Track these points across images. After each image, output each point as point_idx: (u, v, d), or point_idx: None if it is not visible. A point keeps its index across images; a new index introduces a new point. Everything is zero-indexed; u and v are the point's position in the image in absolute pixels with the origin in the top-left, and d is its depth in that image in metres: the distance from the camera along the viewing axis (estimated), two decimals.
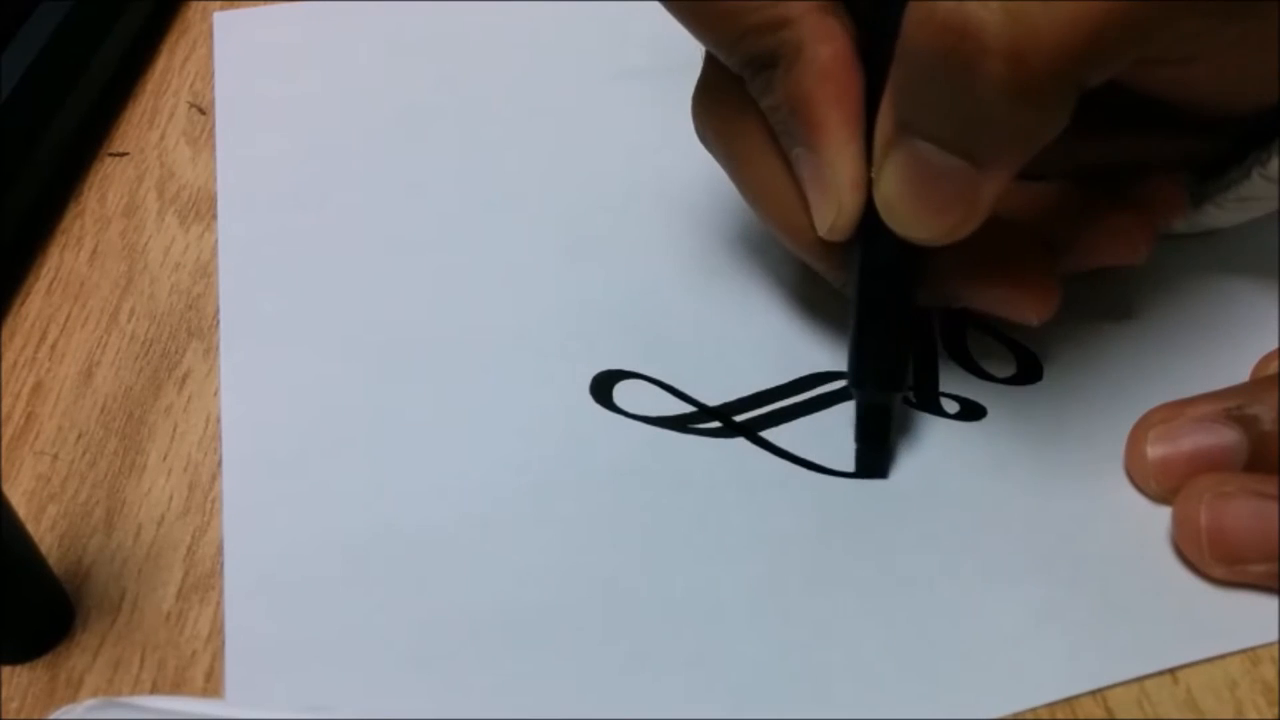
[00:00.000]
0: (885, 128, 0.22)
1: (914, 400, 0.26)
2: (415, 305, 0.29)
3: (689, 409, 0.26)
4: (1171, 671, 0.22)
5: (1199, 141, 0.27)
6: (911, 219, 0.22)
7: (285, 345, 0.28)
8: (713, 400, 0.26)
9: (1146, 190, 0.27)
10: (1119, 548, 0.23)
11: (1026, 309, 0.25)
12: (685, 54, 0.32)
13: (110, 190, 0.33)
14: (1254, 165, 0.26)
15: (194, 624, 0.23)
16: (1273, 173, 0.26)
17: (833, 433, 0.26)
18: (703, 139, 0.27)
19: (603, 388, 0.27)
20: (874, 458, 0.25)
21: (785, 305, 0.29)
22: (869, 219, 0.23)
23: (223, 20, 0.39)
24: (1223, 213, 0.28)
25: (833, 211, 0.24)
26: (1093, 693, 0.21)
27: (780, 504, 0.24)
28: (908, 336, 0.25)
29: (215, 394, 0.27)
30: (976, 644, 0.22)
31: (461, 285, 0.29)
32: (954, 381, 0.27)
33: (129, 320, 0.29)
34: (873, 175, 0.23)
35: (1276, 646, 0.22)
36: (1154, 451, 0.24)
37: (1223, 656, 0.22)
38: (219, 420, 0.26)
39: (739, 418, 0.26)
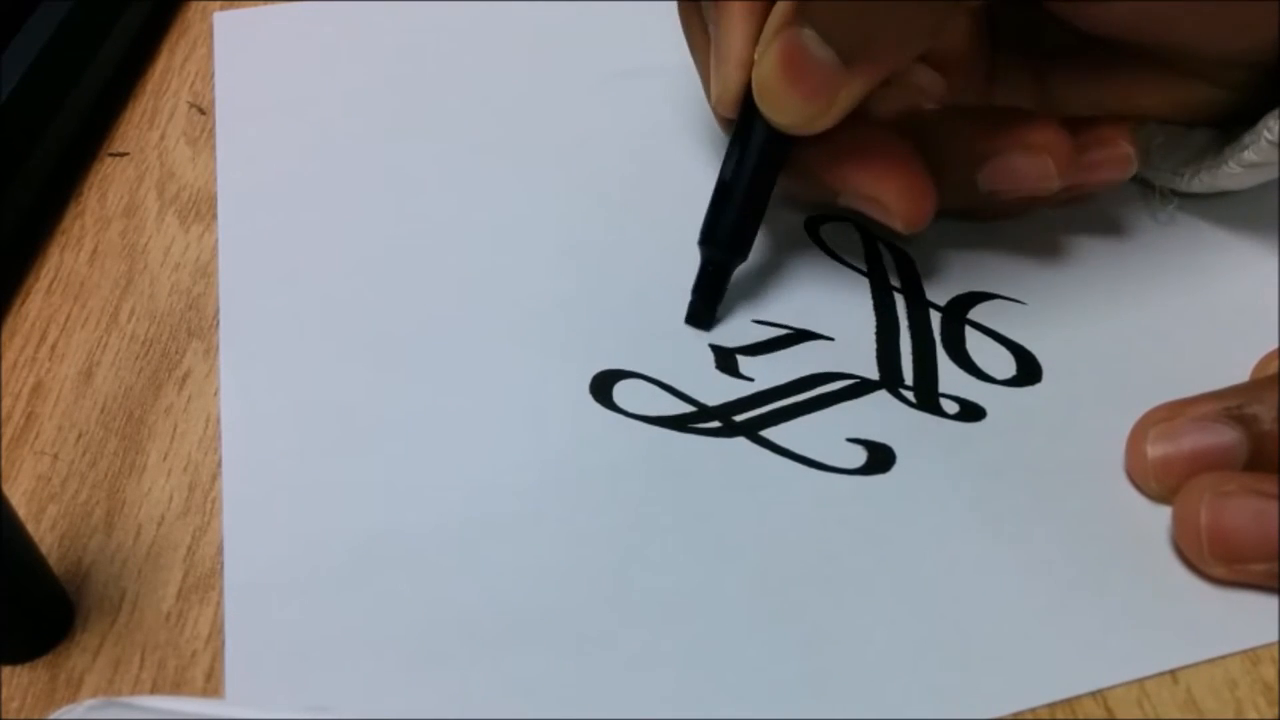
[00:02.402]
0: (780, 11, 0.24)
1: (914, 400, 0.26)
2: (415, 305, 0.29)
3: (689, 408, 0.26)
4: (1171, 672, 0.22)
5: (1190, 89, 0.28)
6: (776, 103, 0.25)
7: (285, 345, 0.28)
8: (712, 400, 0.26)
9: (1093, 129, 0.27)
10: (1119, 548, 0.23)
11: (892, 209, 0.26)
12: (685, 54, 0.32)
13: (110, 190, 0.33)
14: (1264, 129, 0.26)
15: (194, 624, 0.23)
16: (1276, 138, 0.26)
17: (833, 432, 0.26)
18: (682, 27, 0.30)
19: (603, 387, 0.27)
20: (702, 310, 0.28)
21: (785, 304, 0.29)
22: (749, 100, 0.25)
23: (223, 20, 0.39)
24: (1239, 175, 0.28)
25: (719, 84, 0.26)
26: (1093, 693, 0.21)
27: (780, 503, 0.24)
28: (759, 212, 0.27)
29: (215, 394, 0.27)
30: (976, 644, 0.22)
31: (461, 285, 0.29)
32: (954, 382, 0.27)
33: (129, 320, 0.29)
34: (755, 57, 0.25)
35: (1276, 646, 0.22)
36: (1154, 451, 0.24)
37: (1223, 657, 0.22)
38: (219, 420, 0.26)
39: (739, 417, 0.26)
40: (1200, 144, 0.29)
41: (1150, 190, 0.31)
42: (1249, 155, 0.27)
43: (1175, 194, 0.30)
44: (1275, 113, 0.26)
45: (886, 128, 0.27)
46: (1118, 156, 0.27)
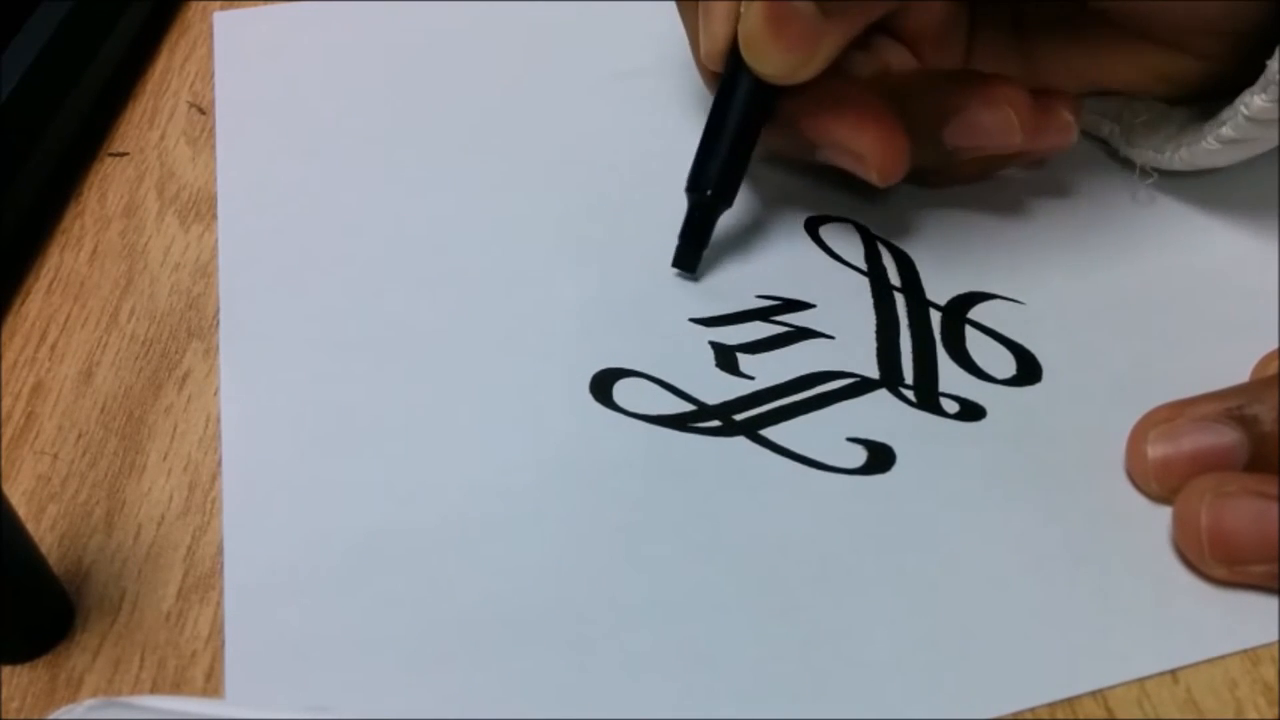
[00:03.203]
0: None
1: (914, 400, 0.26)
2: (415, 305, 0.29)
3: (689, 407, 0.26)
4: (1172, 672, 0.22)
5: (1170, 61, 0.29)
6: (760, 53, 0.26)
7: (285, 345, 0.28)
8: (712, 399, 0.26)
9: (1040, 97, 0.28)
10: (1119, 548, 0.23)
11: (869, 161, 0.27)
12: (685, 54, 0.32)
13: (110, 190, 0.33)
14: (1241, 106, 0.27)
15: (194, 624, 0.23)
16: (1257, 114, 0.26)
17: (833, 431, 0.26)
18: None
19: (603, 386, 0.27)
20: (689, 253, 0.29)
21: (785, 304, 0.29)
22: (733, 54, 0.27)
23: (223, 20, 0.39)
24: (1218, 152, 0.28)
25: (707, 39, 0.28)
26: (1093, 693, 0.21)
27: (780, 503, 0.24)
28: (744, 160, 0.29)
29: (215, 394, 0.27)
30: (976, 644, 0.22)
31: (461, 284, 0.29)
32: (954, 382, 0.27)
33: (129, 320, 0.29)
34: (741, 11, 0.26)
35: (1277, 647, 0.22)
36: (1154, 451, 0.24)
37: (1223, 657, 0.22)
38: (219, 420, 0.26)
39: (739, 416, 0.26)
40: (1181, 122, 0.30)
41: (1132, 169, 0.31)
42: (1227, 131, 0.28)
43: (1158, 172, 0.31)
44: (1252, 89, 0.26)
45: (864, 85, 0.28)
46: (1061, 123, 0.28)
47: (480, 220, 0.31)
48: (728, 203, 0.29)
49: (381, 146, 0.34)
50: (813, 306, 0.29)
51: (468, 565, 0.23)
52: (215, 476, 0.25)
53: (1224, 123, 0.28)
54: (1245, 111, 0.27)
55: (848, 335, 0.28)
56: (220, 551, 0.24)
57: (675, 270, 0.29)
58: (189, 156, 0.34)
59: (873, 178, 0.28)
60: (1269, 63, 0.26)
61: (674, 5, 0.31)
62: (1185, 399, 0.24)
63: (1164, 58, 0.29)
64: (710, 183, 0.29)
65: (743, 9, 0.26)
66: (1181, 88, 0.30)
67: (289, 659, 0.22)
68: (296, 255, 0.30)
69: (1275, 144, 0.28)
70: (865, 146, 0.27)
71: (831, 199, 0.32)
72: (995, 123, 0.28)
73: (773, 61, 0.26)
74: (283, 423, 0.26)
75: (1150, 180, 0.31)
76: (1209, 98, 0.28)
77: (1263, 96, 0.26)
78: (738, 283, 0.29)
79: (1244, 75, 0.27)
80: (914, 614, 0.22)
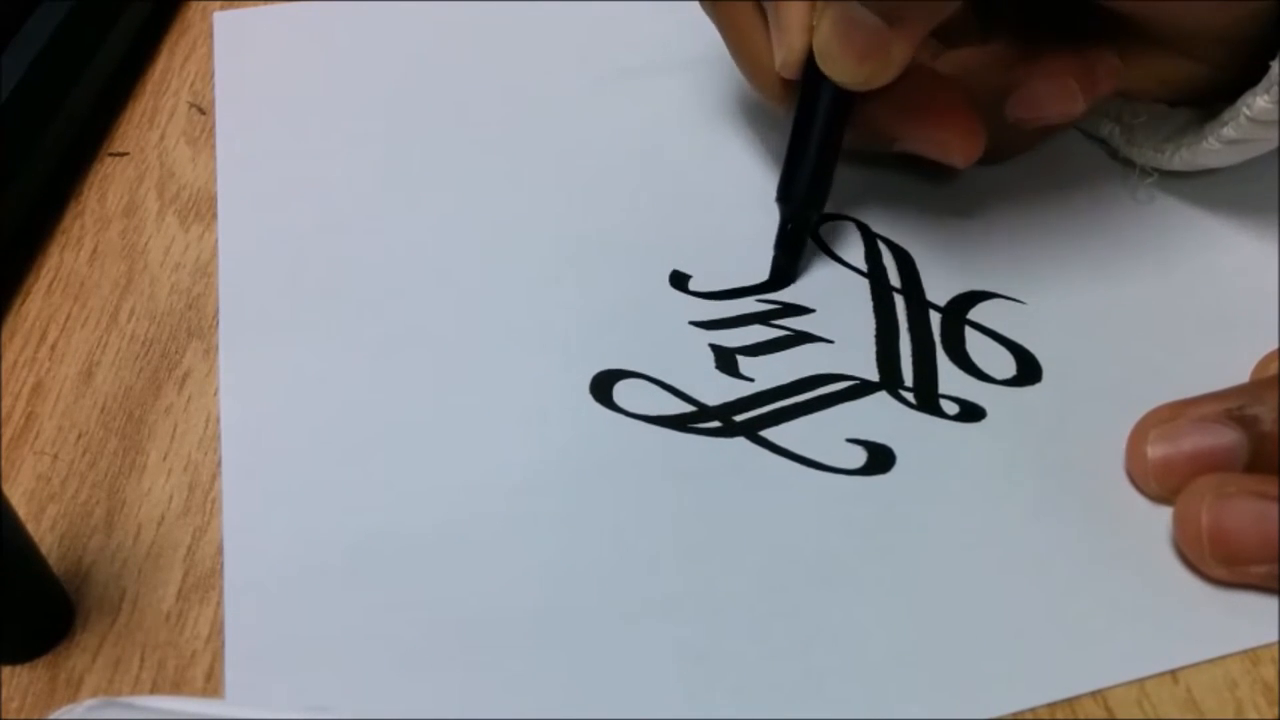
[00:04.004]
0: None
1: (914, 401, 0.26)
2: (415, 305, 0.29)
3: (689, 408, 0.26)
4: (1171, 672, 0.22)
5: (1175, 66, 0.29)
6: (837, 63, 0.27)
7: (285, 345, 0.28)
8: (713, 400, 0.26)
9: (1084, 55, 0.29)
10: (1119, 548, 0.23)
11: (952, 148, 0.29)
12: (685, 54, 0.32)
13: (110, 190, 0.33)
14: (1243, 107, 0.27)
15: (194, 624, 0.23)
16: (1259, 114, 0.27)
17: (833, 433, 0.26)
18: (703, 5, 0.31)
19: (603, 387, 0.27)
20: (788, 265, 0.29)
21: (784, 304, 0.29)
22: (812, 63, 0.27)
23: (223, 20, 0.39)
24: (1219, 152, 0.29)
25: (785, 50, 0.28)
26: (1093, 693, 0.21)
27: (780, 503, 0.24)
28: (831, 166, 0.29)
29: (215, 394, 0.27)
30: (976, 644, 0.22)
31: (461, 285, 0.29)
32: (954, 383, 0.27)
33: (129, 320, 0.29)
34: (814, 24, 0.27)
35: (1277, 647, 0.22)
36: (1154, 452, 0.24)
37: (1223, 657, 0.22)
38: (219, 420, 0.26)
39: (739, 417, 0.26)
40: (1182, 122, 0.30)
41: (1132, 169, 0.31)
42: (1228, 132, 0.28)
43: (1158, 172, 0.31)
44: (1254, 90, 0.27)
45: (935, 75, 0.29)
46: (1109, 70, 0.29)
47: (481, 220, 0.31)
48: (819, 210, 0.30)
49: (382, 146, 0.34)
50: (812, 311, 0.29)
51: (468, 565, 0.23)
52: (215, 476, 0.25)
53: (1226, 123, 0.28)
54: (1248, 112, 0.27)
55: (847, 339, 0.28)
56: (220, 551, 0.24)
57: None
58: (189, 156, 0.34)
59: (956, 162, 0.29)
60: (1272, 64, 0.26)
61: (674, 5, 0.31)
62: (1185, 399, 0.24)
63: (1169, 63, 0.29)
64: (802, 192, 0.29)
65: (815, 23, 0.27)
66: (1185, 92, 0.30)
67: (289, 659, 0.22)
68: (296, 255, 0.30)
69: (1275, 145, 0.28)
70: (948, 137, 0.29)
71: (832, 197, 0.32)
72: (1055, 93, 0.29)
73: (849, 70, 0.27)
74: (283, 423, 0.26)
75: (1150, 180, 0.31)
76: (1210, 101, 0.29)
77: (1265, 97, 0.26)
78: (737, 285, 0.29)
79: (1245, 78, 0.27)
80: (914, 614, 0.22)
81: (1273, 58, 0.26)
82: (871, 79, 0.27)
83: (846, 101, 0.28)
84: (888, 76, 0.27)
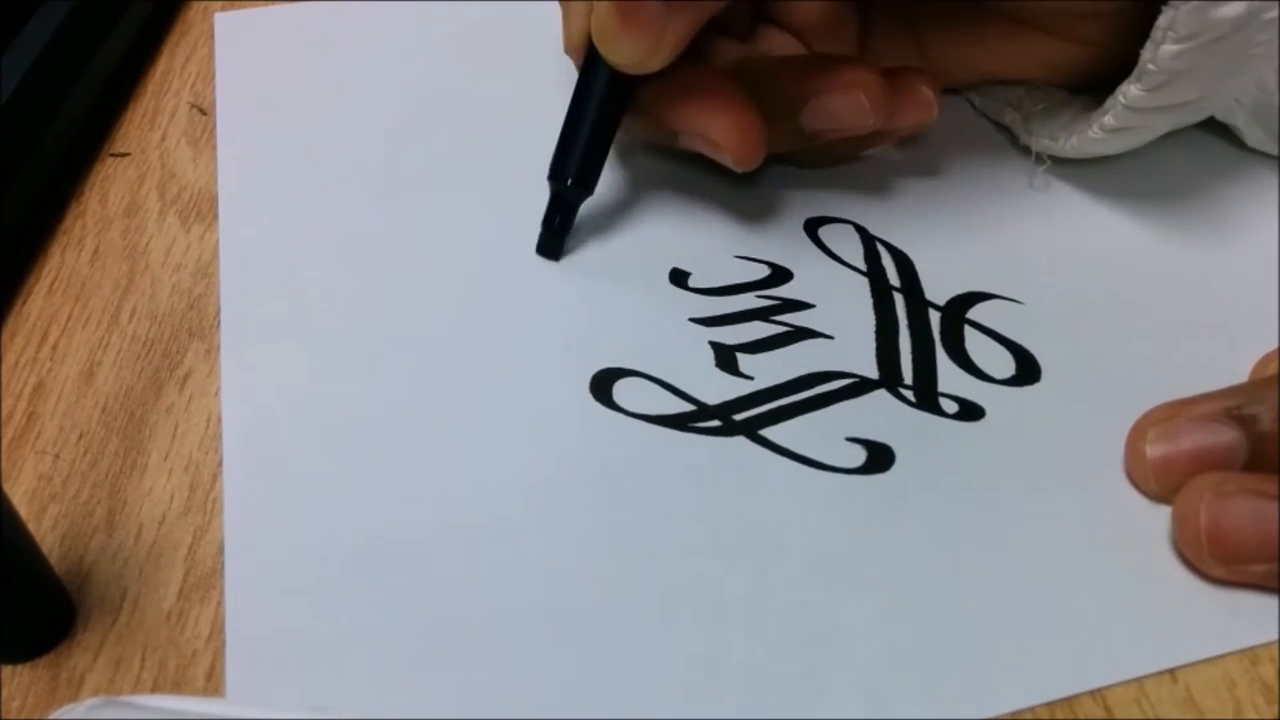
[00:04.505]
0: None
1: (913, 400, 0.26)
2: (415, 304, 0.29)
3: (689, 407, 0.26)
4: (1171, 671, 0.22)
5: (1056, 49, 0.30)
6: (611, 43, 0.27)
7: (286, 345, 0.28)
8: (712, 398, 0.27)
9: (899, 76, 0.29)
10: (1118, 547, 0.23)
11: (725, 146, 0.28)
12: None
13: (111, 190, 0.33)
14: (1120, 95, 0.28)
15: (195, 624, 0.23)
16: (1134, 102, 0.28)
17: (832, 431, 0.26)
18: None
19: (603, 386, 0.27)
20: (552, 241, 0.30)
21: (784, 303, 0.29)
22: (592, 45, 0.28)
23: (224, 20, 0.39)
24: (1104, 140, 0.29)
25: (567, 34, 0.29)
26: (1092, 692, 0.21)
27: (779, 502, 0.24)
28: (604, 149, 0.30)
29: (216, 394, 0.27)
30: (976, 643, 0.22)
31: (462, 284, 0.30)
32: (953, 382, 0.27)
33: (130, 320, 0.29)
34: (593, 5, 0.27)
35: (1276, 646, 0.22)
36: (1154, 451, 0.24)
37: (1222, 656, 0.22)
38: (220, 420, 0.26)
39: (738, 416, 0.26)
40: (1076, 110, 0.31)
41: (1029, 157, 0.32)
42: (1109, 120, 0.29)
43: (1053, 159, 0.32)
44: (1129, 80, 0.27)
45: (720, 73, 0.29)
46: (921, 100, 0.29)
47: (481, 219, 0.31)
48: (588, 191, 0.30)
49: (382, 147, 0.34)
50: (812, 307, 0.29)
51: (467, 565, 0.23)
52: (216, 476, 0.25)
53: (1106, 112, 0.29)
54: (1124, 100, 0.28)
55: (847, 335, 0.28)
56: (221, 551, 0.24)
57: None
58: (190, 157, 0.34)
59: (729, 162, 0.29)
60: (1141, 53, 0.27)
61: None
62: (1184, 398, 0.24)
63: (1049, 46, 0.30)
64: (572, 172, 0.29)
65: (594, 4, 0.27)
66: (1072, 75, 0.31)
67: (289, 659, 0.22)
68: (297, 255, 0.30)
69: (1159, 133, 0.29)
70: (719, 133, 0.28)
71: (831, 199, 0.32)
72: (847, 106, 0.29)
73: (623, 51, 0.27)
74: (284, 422, 0.26)
75: (1045, 166, 0.32)
76: (1107, 85, 0.29)
77: (1137, 86, 0.27)
78: (737, 283, 0.29)
79: (1127, 59, 0.28)
80: (913, 613, 0.23)
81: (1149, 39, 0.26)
82: (644, 61, 0.27)
83: (622, 85, 0.28)
84: (660, 61, 0.27)
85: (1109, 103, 0.28)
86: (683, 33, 0.27)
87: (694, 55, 0.28)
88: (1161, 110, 0.28)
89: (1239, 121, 0.31)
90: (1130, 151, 0.31)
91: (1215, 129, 0.32)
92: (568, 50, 0.30)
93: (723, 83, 0.29)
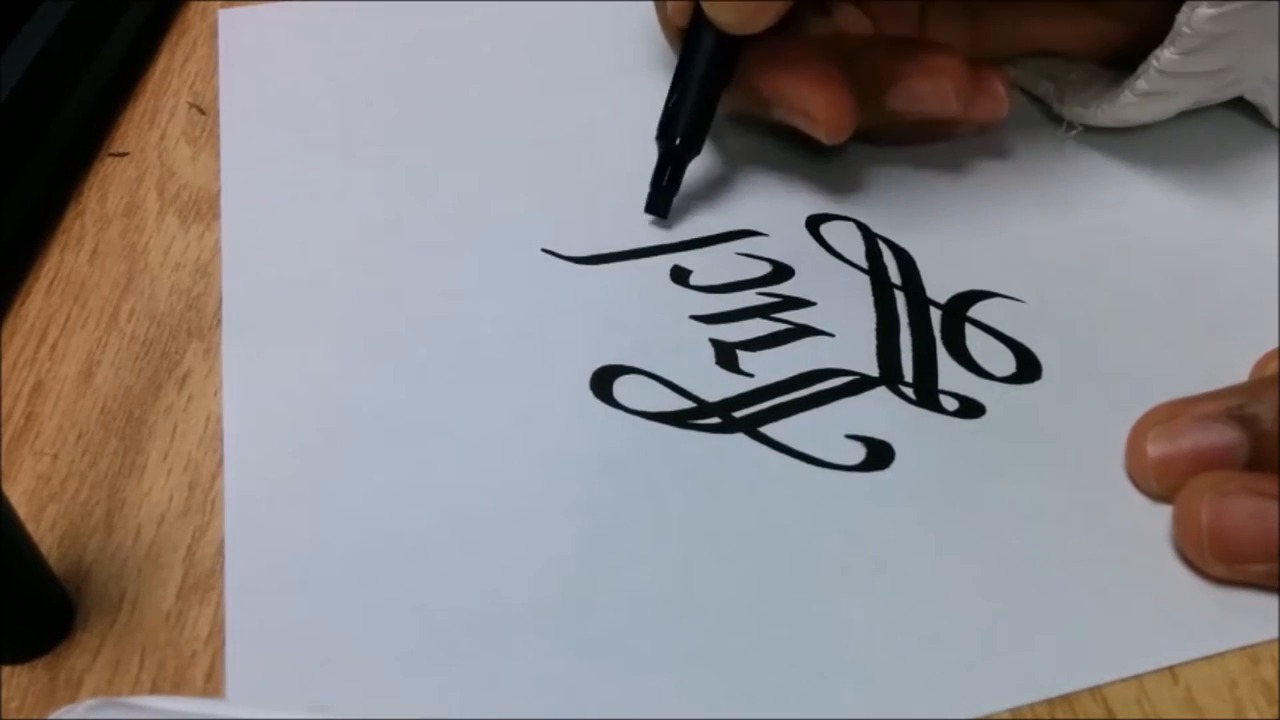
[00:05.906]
0: None
1: (914, 397, 0.26)
2: (416, 303, 0.29)
3: (689, 404, 0.26)
4: (1171, 670, 0.22)
5: (1101, 25, 0.32)
6: (718, 5, 0.28)
7: (286, 345, 0.28)
8: (712, 395, 0.26)
9: (977, 70, 0.30)
10: (1119, 547, 0.23)
11: (817, 119, 0.29)
12: None
13: (110, 190, 0.33)
14: (1153, 60, 0.29)
15: (194, 624, 0.23)
16: (1166, 66, 0.29)
17: (832, 428, 0.26)
18: None
19: (603, 383, 0.27)
20: (661, 200, 0.31)
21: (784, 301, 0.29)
22: (698, 10, 0.29)
23: (227, 18, 0.39)
24: (1135, 106, 0.30)
25: (665, 4, 0.30)
26: (1092, 691, 0.21)
27: (779, 500, 0.24)
28: (710, 111, 0.31)
29: (215, 394, 0.27)
30: (975, 641, 0.22)
31: (461, 282, 0.29)
32: (953, 379, 0.27)
33: (129, 320, 0.29)
34: None
35: (1276, 645, 0.22)
36: (1154, 450, 0.24)
37: (1222, 655, 0.22)
38: (219, 420, 0.26)
39: (738, 413, 0.26)
40: (1110, 79, 0.32)
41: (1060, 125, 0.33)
42: (1141, 84, 0.30)
43: (1084, 127, 0.33)
44: (1165, 44, 0.28)
45: (816, 48, 0.30)
46: (996, 95, 0.30)
47: (481, 218, 0.31)
48: (695, 150, 0.31)
49: (384, 146, 0.34)
50: (813, 304, 0.29)
51: (467, 564, 0.23)
52: (215, 476, 0.25)
53: (1139, 76, 0.29)
54: (1156, 64, 0.29)
55: (847, 333, 0.28)
56: (220, 551, 0.24)
57: (649, 217, 0.31)
58: (189, 156, 0.34)
59: (820, 135, 0.29)
60: (1177, 17, 0.27)
61: None
62: (1185, 398, 0.24)
63: (1096, 22, 0.31)
64: (681, 132, 0.30)
65: None
66: (1114, 50, 0.32)
67: (289, 659, 0.22)
68: (298, 255, 0.30)
69: (1189, 101, 0.30)
70: (815, 105, 0.29)
71: (833, 197, 0.32)
72: (933, 91, 0.30)
73: (728, 11, 0.28)
74: (283, 422, 0.26)
75: (1074, 132, 0.33)
76: (1137, 61, 0.30)
77: (1171, 50, 0.28)
78: (738, 279, 0.29)
79: (1163, 35, 0.28)
80: (912, 611, 0.22)
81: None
82: (749, 22, 0.28)
83: (727, 48, 0.29)
84: (764, 22, 0.28)
85: (1141, 68, 0.29)
86: None
87: (789, 27, 0.30)
88: (1192, 76, 0.29)
89: (1267, 100, 0.32)
90: (1131, 151, 0.31)
91: (1216, 129, 0.33)
92: (672, 12, 0.30)
93: (819, 58, 0.30)
